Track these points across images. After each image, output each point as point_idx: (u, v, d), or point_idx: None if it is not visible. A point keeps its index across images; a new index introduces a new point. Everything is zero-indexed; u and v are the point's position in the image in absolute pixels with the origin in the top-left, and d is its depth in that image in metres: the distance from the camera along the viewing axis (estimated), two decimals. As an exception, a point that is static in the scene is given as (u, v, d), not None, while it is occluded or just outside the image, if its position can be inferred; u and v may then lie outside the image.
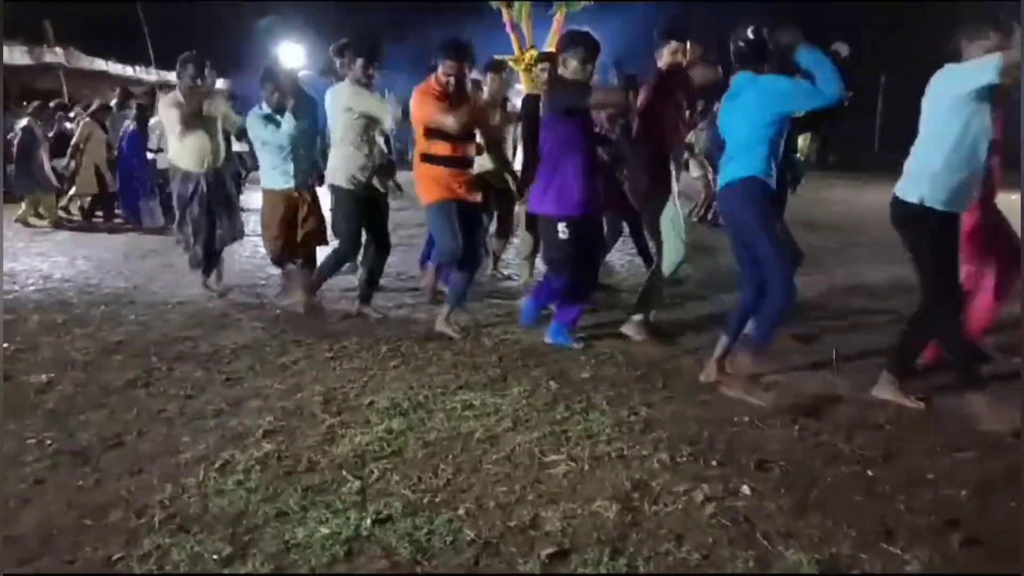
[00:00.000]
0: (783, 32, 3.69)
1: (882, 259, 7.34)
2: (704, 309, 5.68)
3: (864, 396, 3.82)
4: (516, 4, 14.65)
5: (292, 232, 5.51)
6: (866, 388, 3.87)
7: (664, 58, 4.52)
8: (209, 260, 5.88)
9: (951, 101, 3.42)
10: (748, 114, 3.71)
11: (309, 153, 5.54)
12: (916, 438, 3.38)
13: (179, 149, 5.57)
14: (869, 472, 3.05)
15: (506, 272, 6.75)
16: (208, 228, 5.70)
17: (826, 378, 4.14)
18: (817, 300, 5.96)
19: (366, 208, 5.09)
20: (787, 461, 3.13)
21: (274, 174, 5.40)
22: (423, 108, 4.54)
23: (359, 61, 4.83)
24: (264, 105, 5.34)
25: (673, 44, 4.49)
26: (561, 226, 4.38)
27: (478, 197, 4.86)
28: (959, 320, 3.82)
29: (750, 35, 3.73)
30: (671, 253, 4.69)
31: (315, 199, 5.62)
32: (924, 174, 3.54)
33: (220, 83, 15.25)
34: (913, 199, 3.56)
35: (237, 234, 5.95)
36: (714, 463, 3.10)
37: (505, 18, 14.84)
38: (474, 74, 5.18)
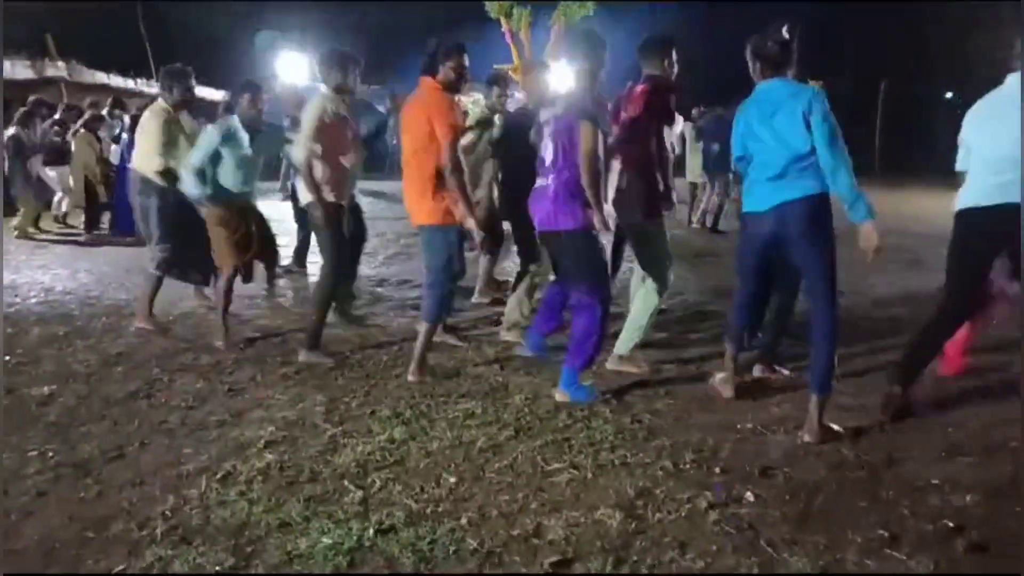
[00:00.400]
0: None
1: (882, 267, 7.34)
2: (706, 316, 5.66)
3: (867, 402, 3.81)
4: (515, 14, 14.72)
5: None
6: (868, 394, 3.86)
7: (668, 68, 4.24)
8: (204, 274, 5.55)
9: None
10: (801, 127, 3.31)
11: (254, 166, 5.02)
12: (920, 443, 3.37)
13: (158, 163, 5.05)
14: (873, 477, 3.04)
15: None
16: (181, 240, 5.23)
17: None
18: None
19: (348, 221, 4.73)
20: (791, 468, 3.12)
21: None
22: (453, 115, 4.10)
23: (333, 73, 4.52)
24: (235, 118, 4.79)
25: (674, 53, 4.25)
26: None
27: None
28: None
29: (785, 35, 3.40)
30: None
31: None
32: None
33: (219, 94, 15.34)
34: None
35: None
36: (718, 470, 3.09)
37: (504, 28, 14.91)
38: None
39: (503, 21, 14.82)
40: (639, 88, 4.24)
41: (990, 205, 3.47)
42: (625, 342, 4.35)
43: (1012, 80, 3.48)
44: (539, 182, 3.87)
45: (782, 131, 3.38)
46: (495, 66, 13.62)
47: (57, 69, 14.50)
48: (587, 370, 3.98)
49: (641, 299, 4.36)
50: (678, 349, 4.79)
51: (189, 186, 4.73)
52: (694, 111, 11.33)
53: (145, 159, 5.12)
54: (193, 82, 5.25)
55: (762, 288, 3.82)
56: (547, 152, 3.81)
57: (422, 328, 4.26)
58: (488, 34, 15.02)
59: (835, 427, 3.46)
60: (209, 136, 4.69)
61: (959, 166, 3.73)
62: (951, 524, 2.68)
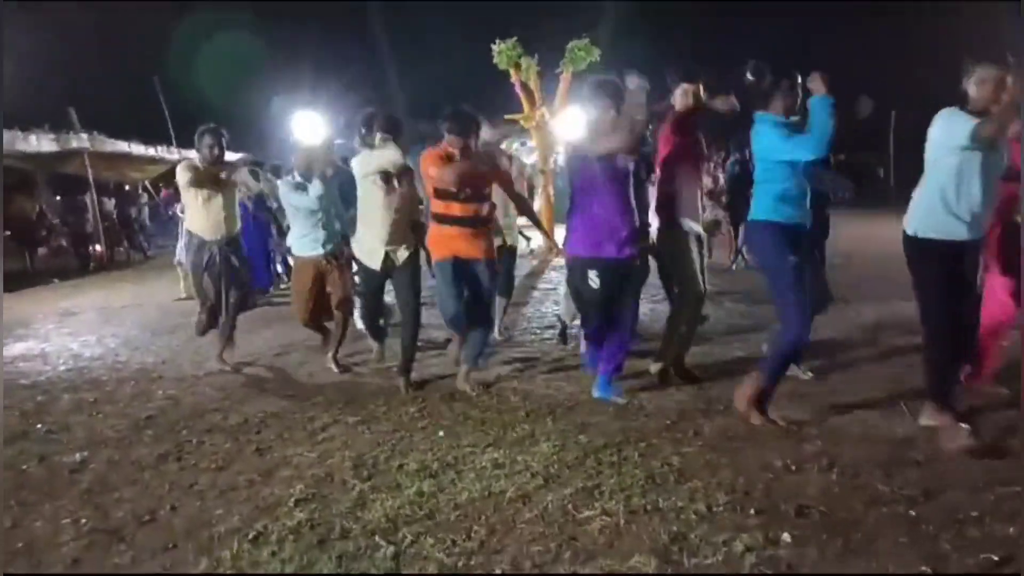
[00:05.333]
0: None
1: (892, 294, 7.27)
2: (731, 353, 5.62)
3: (897, 433, 3.75)
4: (524, 65, 14.96)
5: (321, 298, 5.59)
6: (891, 423, 3.80)
7: (678, 101, 4.64)
8: (221, 328, 5.82)
9: (942, 146, 3.59)
10: (759, 156, 4.00)
11: (336, 220, 5.57)
12: (957, 474, 3.30)
13: (196, 217, 5.60)
14: (911, 512, 2.98)
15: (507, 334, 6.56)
16: (216, 297, 5.69)
17: (862, 418, 4.07)
18: (836, 335, 5.90)
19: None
20: (827, 505, 3.07)
21: (304, 241, 5.53)
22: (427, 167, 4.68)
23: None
24: (295, 174, 5.49)
25: (685, 86, 4.60)
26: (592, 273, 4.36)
27: (480, 253, 4.81)
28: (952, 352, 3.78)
29: (752, 74, 3.94)
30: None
31: (343, 267, 5.60)
32: (919, 207, 3.72)
33: (236, 156, 15.68)
34: (908, 231, 3.76)
35: (242, 304, 5.87)
36: (752, 511, 3.04)
37: (514, 79, 15.15)
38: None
39: (512, 72, 15.06)
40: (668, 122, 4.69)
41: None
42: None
43: None
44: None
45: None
46: (506, 116, 13.82)
47: (80, 140, 14.85)
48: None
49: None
50: (703, 388, 4.75)
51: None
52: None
53: (187, 216, 5.78)
54: (218, 140, 5.56)
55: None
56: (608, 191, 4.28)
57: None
58: (499, 85, 15.27)
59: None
60: (282, 197, 5.47)
61: None
62: (995, 557, 2.62)
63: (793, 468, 3.45)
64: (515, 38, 14.86)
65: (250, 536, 3.02)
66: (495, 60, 15.05)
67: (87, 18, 25.30)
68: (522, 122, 14.94)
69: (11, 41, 15.44)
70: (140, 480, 3.70)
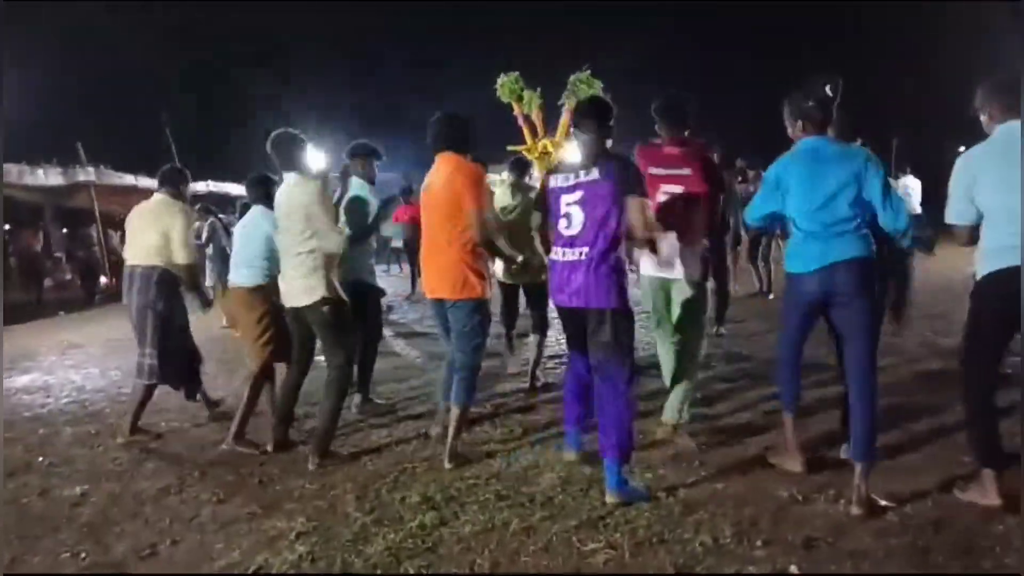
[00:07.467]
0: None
1: (908, 323, 7.25)
2: (733, 382, 5.59)
3: (905, 462, 3.71)
4: (526, 97, 15.12)
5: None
6: (901, 454, 3.76)
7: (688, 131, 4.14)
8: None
9: None
10: (853, 189, 3.33)
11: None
12: (966, 505, 3.26)
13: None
14: (920, 542, 2.94)
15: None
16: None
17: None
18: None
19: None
20: (834, 536, 3.03)
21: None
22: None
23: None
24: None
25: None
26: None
27: None
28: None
29: (828, 92, 3.37)
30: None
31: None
32: None
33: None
34: None
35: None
36: (759, 543, 3.01)
37: (516, 112, 15.30)
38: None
39: (515, 106, 15.21)
40: (695, 150, 4.09)
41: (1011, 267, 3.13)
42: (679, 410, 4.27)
43: (1006, 130, 3.19)
44: (565, 255, 3.56)
45: (830, 191, 3.32)
46: (508, 147, 13.93)
47: (87, 174, 15.01)
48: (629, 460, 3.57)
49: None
50: (710, 420, 4.71)
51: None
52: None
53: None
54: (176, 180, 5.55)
55: (801, 349, 3.66)
56: (571, 221, 3.53)
57: (454, 413, 4.10)
58: (500, 118, 15.41)
59: (882, 502, 3.29)
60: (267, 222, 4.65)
61: (957, 219, 3.32)
62: (1007, 589, 2.58)
63: (800, 499, 3.41)
64: (517, 72, 15.06)
65: (250, 570, 2.99)
66: (498, 94, 15.23)
67: (94, 53, 25.71)
68: (525, 153, 15.08)
69: (20, 77, 15.68)
70: (141, 513, 3.68)
